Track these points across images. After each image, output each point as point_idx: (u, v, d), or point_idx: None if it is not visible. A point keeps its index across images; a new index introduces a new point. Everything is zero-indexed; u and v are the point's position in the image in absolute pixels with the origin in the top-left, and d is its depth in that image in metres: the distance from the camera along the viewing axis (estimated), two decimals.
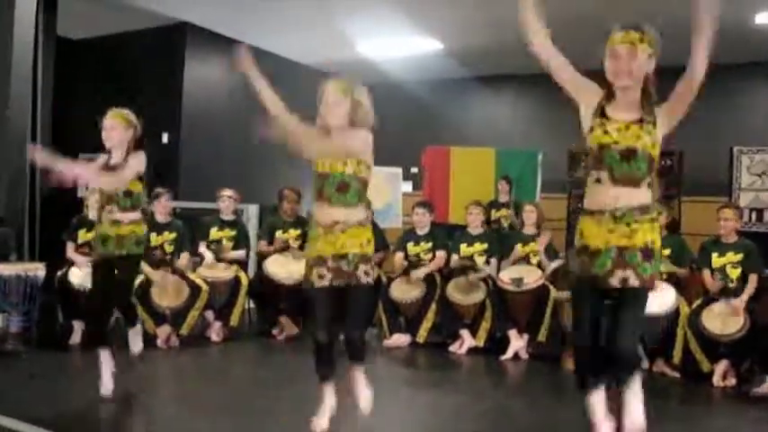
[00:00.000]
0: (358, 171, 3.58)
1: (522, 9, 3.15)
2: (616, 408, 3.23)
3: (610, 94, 3.15)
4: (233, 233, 7.12)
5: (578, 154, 8.88)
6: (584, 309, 3.19)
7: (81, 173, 4.36)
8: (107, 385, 4.53)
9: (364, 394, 3.79)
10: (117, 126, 4.53)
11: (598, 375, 3.20)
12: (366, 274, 3.57)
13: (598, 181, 3.12)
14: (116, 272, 4.59)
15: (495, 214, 7.84)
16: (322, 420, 3.72)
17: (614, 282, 3.04)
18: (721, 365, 5.56)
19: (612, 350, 3.10)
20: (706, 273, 5.92)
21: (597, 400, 3.20)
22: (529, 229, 6.79)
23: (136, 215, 4.59)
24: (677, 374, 5.78)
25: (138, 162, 4.52)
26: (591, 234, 3.11)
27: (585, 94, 3.20)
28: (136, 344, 4.89)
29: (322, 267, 3.57)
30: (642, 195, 3.09)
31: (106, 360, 4.58)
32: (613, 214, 3.06)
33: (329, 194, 3.58)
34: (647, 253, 3.05)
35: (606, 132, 3.08)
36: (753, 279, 5.75)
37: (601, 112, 3.12)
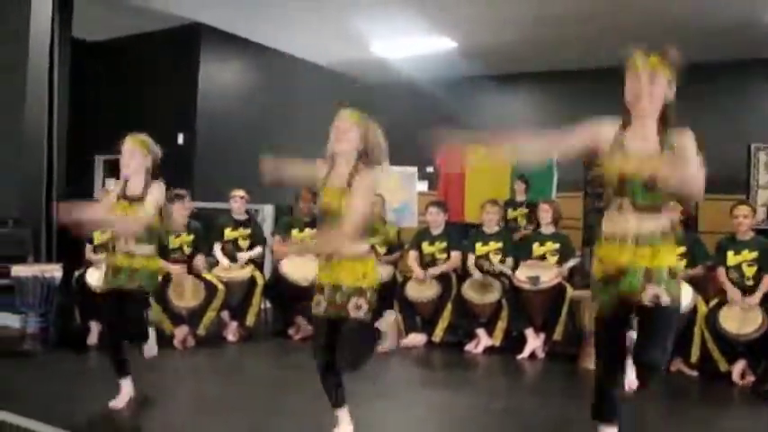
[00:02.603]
0: None
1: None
2: None
3: (626, 123, 3.12)
4: (247, 232, 7.14)
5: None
6: (608, 342, 3.16)
7: (93, 218, 4.38)
8: (120, 402, 4.43)
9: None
10: (136, 153, 4.36)
11: (617, 407, 3.18)
12: (357, 307, 3.51)
13: (620, 208, 3.10)
14: (127, 306, 4.37)
15: (511, 214, 7.81)
16: None
17: (646, 299, 3.01)
18: (739, 365, 5.52)
19: (641, 362, 3.06)
20: (721, 271, 5.89)
21: None
22: (546, 228, 6.75)
23: (151, 249, 4.42)
24: (695, 374, 5.74)
25: (156, 197, 4.34)
26: (612, 257, 3.09)
27: (601, 135, 3.16)
28: (150, 351, 4.68)
29: (320, 295, 3.60)
30: (663, 221, 3.08)
31: (126, 387, 4.48)
32: (636, 240, 3.05)
33: (329, 230, 3.55)
34: (673, 273, 3.06)
35: (627, 162, 3.06)
36: (766, 279, 5.71)
37: (620, 145, 3.10)
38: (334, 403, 3.65)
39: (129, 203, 4.36)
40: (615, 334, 3.15)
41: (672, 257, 3.09)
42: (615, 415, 3.18)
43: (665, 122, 3.07)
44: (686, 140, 3.00)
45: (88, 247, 6.54)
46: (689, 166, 2.90)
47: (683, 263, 5.75)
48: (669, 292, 3.01)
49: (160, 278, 6.10)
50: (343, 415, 3.66)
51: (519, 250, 6.83)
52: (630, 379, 3.21)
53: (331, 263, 3.55)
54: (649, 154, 3.04)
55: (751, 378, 5.52)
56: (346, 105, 3.65)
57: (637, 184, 3.04)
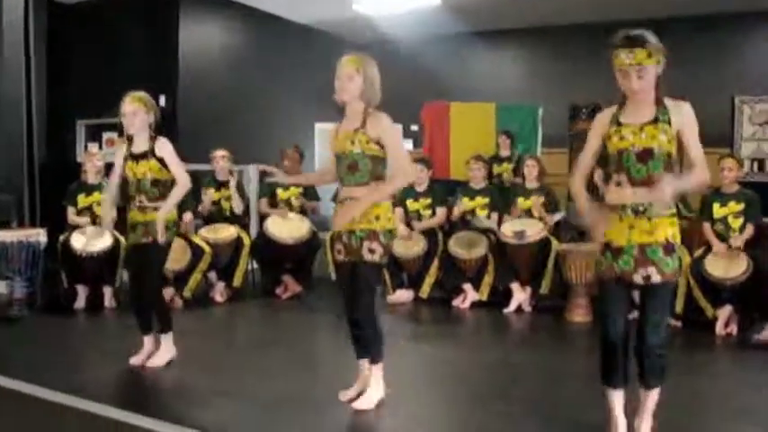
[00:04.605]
0: (367, 149, 3.58)
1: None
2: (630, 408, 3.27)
3: (621, 104, 3.16)
4: (229, 193, 7.07)
5: (579, 108, 8.85)
6: (610, 305, 3.18)
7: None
8: (139, 359, 4.56)
9: (366, 395, 3.77)
10: (138, 111, 4.44)
11: (624, 373, 3.18)
12: (371, 251, 3.57)
13: (618, 184, 3.14)
14: (144, 264, 4.51)
15: (496, 169, 7.81)
16: (349, 392, 3.81)
17: (638, 279, 3.08)
18: (725, 311, 5.60)
19: (641, 346, 3.13)
20: (706, 226, 5.93)
21: (617, 397, 3.22)
22: (531, 183, 6.76)
23: (164, 202, 4.47)
24: (679, 324, 5.81)
25: (170, 150, 4.48)
26: (613, 229, 3.13)
27: (604, 125, 3.19)
28: (162, 357, 4.62)
29: (338, 243, 3.68)
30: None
31: (148, 343, 4.61)
32: (635, 209, 3.08)
33: (342, 174, 3.67)
34: (669, 248, 3.07)
35: (622, 138, 3.10)
36: (749, 228, 5.79)
37: (616, 122, 3.13)
38: (358, 353, 3.78)
39: (135, 162, 4.46)
40: (615, 295, 3.16)
41: (670, 229, 3.10)
42: (623, 380, 3.18)
43: (658, 94, 3.09)
44: (687, 121, 3.05)
45: (71, 210, 6.48)
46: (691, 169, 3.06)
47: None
48: (661, 271, 3.05)
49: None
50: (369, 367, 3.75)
51: (504, 204, 6.85)
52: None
53: (345, 208, 3.63)
54: (643, 125, 3.06)
55: (734, 326, 5.60)
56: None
57: (631, 158, 3.08)
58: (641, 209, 3.07)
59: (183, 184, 4.47)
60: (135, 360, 4.55)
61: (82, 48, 9.79)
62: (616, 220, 3.12)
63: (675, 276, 3.13)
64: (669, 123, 3.05)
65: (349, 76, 3.58)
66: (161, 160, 4.45)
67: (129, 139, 4.53)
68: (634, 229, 3.08)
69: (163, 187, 4.48)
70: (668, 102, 3.09)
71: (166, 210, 4.42)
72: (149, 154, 4.44)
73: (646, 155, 3.05)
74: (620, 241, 3.10)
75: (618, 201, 3.12)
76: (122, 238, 6.18)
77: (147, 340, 4.61)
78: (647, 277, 3.06)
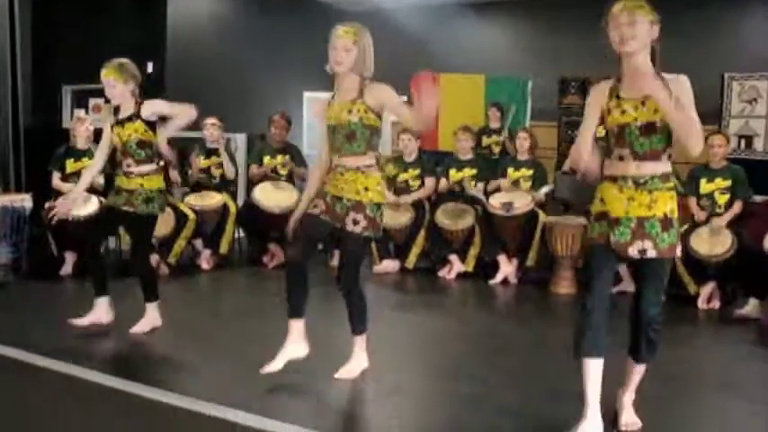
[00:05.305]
0: (365, 118, 3.55)
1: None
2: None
3: (620, 75, 3.10)
4: (220, 160, 7.06)
5: (568, 81, 8.84)
6: (598, 274, 3.10)
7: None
8: (82, 321, 4.51)
9: (348, 366, 3.81)
10: (115, 83, 4.37)
11: (599, 342, 3.05)
12: (355, 222, 3.54)
13: (620, 158, 3.08)
14: (129, 234, 4.55)
15: (486, 141, 7.81)
16: (273, 364, 3.67)
17: (633, 252, 3.02)
18: (708, 288, 5.65)
19: (637, 320, 3.11)
20: (692, 200, 5.96)
21: (594, 370, 3.07)
22: (522, 155, 6.78)
23: (149, 167, 4.44)
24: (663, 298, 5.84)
25: (159, 103, 4.46)
26: (611, 200, 3.08)
27: (602, 99, 3.13)
28: (146, 324, 4.58)
29: (320, 200, 3.63)
30: (663, 166, 3.06)
31: (101, 307, 4.53)
32: (636, 181, 3.03)
33: (338, 144, 3.60)
34: (667, 223, 3.03)
35: (624, 112, 3.05)
36: (738, 204, 5.83)
37: (616, 96, 3.08)
38: (293, 308, 3.73)
39: (122, 126, 4.42)
40: (604, 263, 3.11)
41: (669, 204, 3.05)
42: (600, 349, 3.05)
43: (656, 65, 3.04)
44: (681, 89, 2.98)
45: (55, 175, 6.42)
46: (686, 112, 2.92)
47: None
48: (657, 246, 3.01)
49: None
50: (297, 329, 3.73)
51: (492, 175, 6.89)
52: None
53: (335, 175, 3.61)
54: (644, 99, 3.00)
55: (717, 302, 5.65)
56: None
57: (634, 132, 3.03)
58: (642, 181, 3.03)
59: (188, 113, 4.45)
60: (80, 321, 4.51)
61: (68, 12, 9.65)
62: (615, 192, 3.08)
63: (672, 252, 3.06)
64: (669, 96, 2.97)
65: (345, 48, 3.50)
66: (147, 122, 4.40)
67: (117, 108, 4.49)
68: (633, 201, 3.03)
69: (149, 149, 4.43)
70: (666, 76, 3.02)
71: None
72: (134, 116, 4.39)
73: (649, 129, 3.00)
74: (617, 212, 3.05)
75: (621, 173, 3.06)
76: None
77: (99, 303, 4.53)
78: (643, 251, 3.01)
